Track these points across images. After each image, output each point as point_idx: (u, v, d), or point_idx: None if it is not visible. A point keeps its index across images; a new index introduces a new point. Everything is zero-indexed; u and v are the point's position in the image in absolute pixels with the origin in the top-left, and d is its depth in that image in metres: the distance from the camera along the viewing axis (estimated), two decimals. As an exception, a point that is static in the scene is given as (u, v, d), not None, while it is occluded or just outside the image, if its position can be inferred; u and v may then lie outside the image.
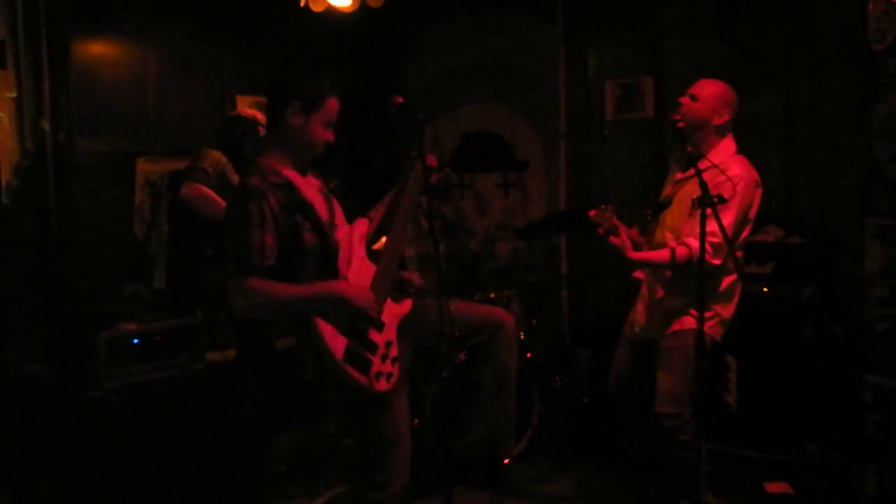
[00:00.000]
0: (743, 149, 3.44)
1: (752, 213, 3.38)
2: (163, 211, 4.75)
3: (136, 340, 4.01)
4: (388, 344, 2.80)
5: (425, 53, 6.34)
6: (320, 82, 2.89)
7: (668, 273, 3.44)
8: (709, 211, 2.93)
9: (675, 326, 3.43)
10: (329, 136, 2.89)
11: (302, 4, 4.60)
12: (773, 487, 3.98)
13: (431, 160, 3.06)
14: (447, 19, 6.17)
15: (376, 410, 2.82)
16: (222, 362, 4.07)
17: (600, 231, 3.29)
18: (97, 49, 4.91)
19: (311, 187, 2.90)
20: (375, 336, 2.78)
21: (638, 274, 3.72)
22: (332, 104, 2.88)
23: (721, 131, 3.39)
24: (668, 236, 3.42)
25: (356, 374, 2.67)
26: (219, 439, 3.86)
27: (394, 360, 2.81)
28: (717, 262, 3.16)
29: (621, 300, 3.80)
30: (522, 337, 4.73)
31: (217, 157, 4.20)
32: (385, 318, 2.83)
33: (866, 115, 3.93)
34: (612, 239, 3.29)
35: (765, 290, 4.26)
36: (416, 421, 4.22)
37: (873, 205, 3.46)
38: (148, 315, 4.24)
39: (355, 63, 6.25)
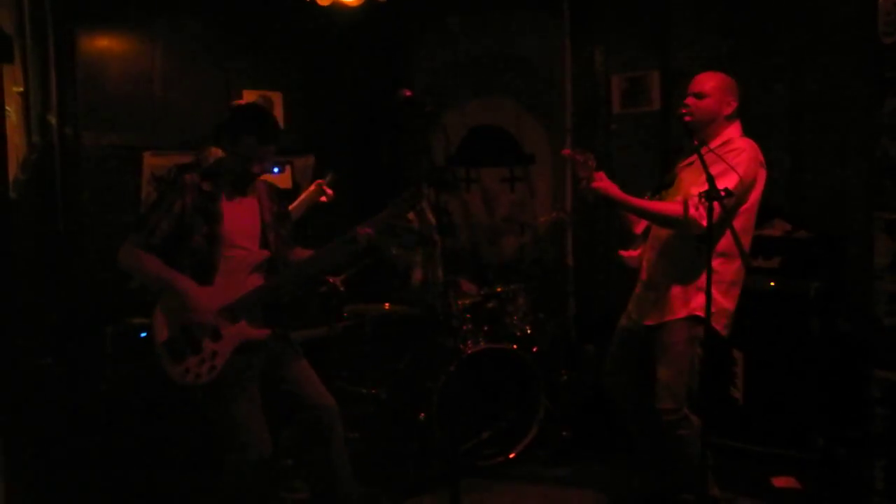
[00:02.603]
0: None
1: (757, 192, 3.35)
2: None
3: (143, 334, 4.02)
4: (214, 354, 3.00)
5: (431, 48, 6.33)
6: (237, 117, 3.15)
7: (662, 249, 3.44)
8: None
9: (670, 315, 3.41)
10: (254, 168, 3.12)
11: (308, -1, 4.60)
12: (780, 482, 3.97)
13: (363, 231, 3.18)
14: (453, 13, 6.16)
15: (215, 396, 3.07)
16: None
17: (582, 179, 3.31)
18: (104, 44, 4.91)
19: (238, 204, 3.15)
20: (206, 342, 3.00)
21: (627, 253, 3.65)
22: (248, 140, 3.07)
23: (730, 118, 3.41)
24: None
25: (166, 361, 3.01)
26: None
27: (211, 368, 3.00)
28: (705, 223, 3.03)
29: (627, 294, 3.79)
30: (529, 331, 4.73)
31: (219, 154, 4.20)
32: (225, 331, 3.02)
33: (875, 109, 3.91)
34: (595, 183, 3.31)
35: (771, 284, 4.25)
36: (423, 415, 4.23)
37: (882, 199, 3.43)
38: (154, 309, 4.25)
39: (361, 57, 6.25)
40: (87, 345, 4.04)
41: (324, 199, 3.96)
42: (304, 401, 3.25)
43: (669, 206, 3.32)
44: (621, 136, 5.42)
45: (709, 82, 3.40)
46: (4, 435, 3.10)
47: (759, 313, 4.13)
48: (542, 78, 5.75)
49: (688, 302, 3.36)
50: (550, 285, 5.49)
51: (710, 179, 2.95)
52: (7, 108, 3.51)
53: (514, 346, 4.51)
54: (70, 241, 4.61)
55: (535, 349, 4.68)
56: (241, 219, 3.15)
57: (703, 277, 3.04)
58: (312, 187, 3.98)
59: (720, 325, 3.34)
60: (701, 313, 3.17)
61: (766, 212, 4.40)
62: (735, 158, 3.20)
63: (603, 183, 3.32)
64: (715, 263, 3.10)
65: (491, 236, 5.83)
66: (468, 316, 4.60)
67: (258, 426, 3.07)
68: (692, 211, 3.16)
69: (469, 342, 4.44)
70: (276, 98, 5.57)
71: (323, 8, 4.72)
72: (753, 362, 4.24)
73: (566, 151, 3.47)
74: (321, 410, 3.26)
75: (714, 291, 3.06)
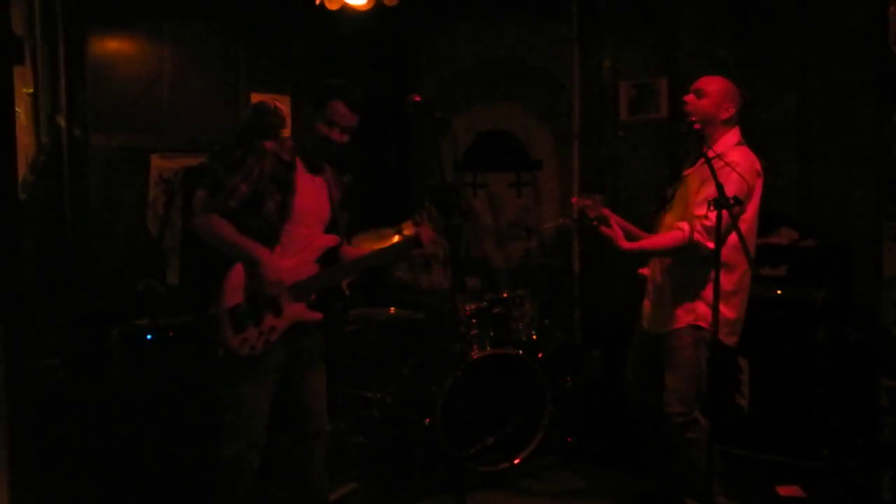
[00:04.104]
0: (758, 150, 3.44)
1: (755, 202, 3.37)
2: (176, 207, 4.78)
3: (149, 336, 4.03)
4: (272, 329, 3.02)
5: (440, 52, 6.34)
6: (328, 85, 3.13)
7: (666, 261, 3.49)
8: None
9: (675, 324, 3.45)
10: (339, 134, 3.11)
11: (318, 2, 4.61)
12: (785, 491, 3.96)
13: (427, 233, 3.26)
14: (462, 18, 6.17)
15: (241, 376, 3.07)
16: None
17: (592, 221, 3.39)
18: (113, 45, 4.92)
19: (311, 180, 3.17)
20: (269, 316, 3.01)
21: (643, 271, 3.75)
22: (337, 107, 3.08)
23: (727, 124, 3.44)
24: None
25: (226, 328, 2.98)
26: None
27: (266, 343, 3.02)
28: (711, 245, 3.13)
29: (634, 300, 3.80)
30: (535, 337, 4.73)
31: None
32: (287, 308, 3.04)
33: (884, 118, 3.91)
34: (603, 229, 3.39)
35: (778, 292, 4.25)
36: (428, 420, 4.23)
37: (892, 208, 3.44)
38: (161, 311, 4.26)
39: (370, 61, 6.25)
40: (93, 346, 4.04)
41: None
42: (308, 415, 3.25)
43: (672, 236, 3.34)
44: (629, 143, 5.42)
45: (711, 84, 3.47)
46: (10, 435, 3.10)
47: (765, 321, 4.13)
48: (550, 84, 5.75)
49: (689, 311, 3.41)
50: (556, 291, 5.48)
51: (720, 188, 2.95)
52: (17, 109, 3.52)
53: (520, 352, 4.51)
54: (78, 242, 4.62)
55: (540, 355, 4.68)
56: (312, 197, 3.17)
57: (704, 287, 3.24)
58: None
59: (722, 335, 3.34)
60: (702, 323, 3.33)
61: (773, 220, 4.42)
62: (728, 176, 3.19)
63: (610, 231, 3.38)
64: (722, 274, 3.10)
65: (497, 241, 5.83)
66: (474, 321, 4.60)
67: (259, 422, 3.08)
68: (696, 236, 3.22)
69: (475, 347, 4.44)
70: (285, 101, 5.57)
71: (332, 12, 4.73)
72: (760, 370, 4.23)
73: (574, 199, 3.61)
74: (319, 436, 3.27)
75: (717, 303, 3.06)
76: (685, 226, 3.26)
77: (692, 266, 3.37)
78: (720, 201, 2.93)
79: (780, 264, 4.30)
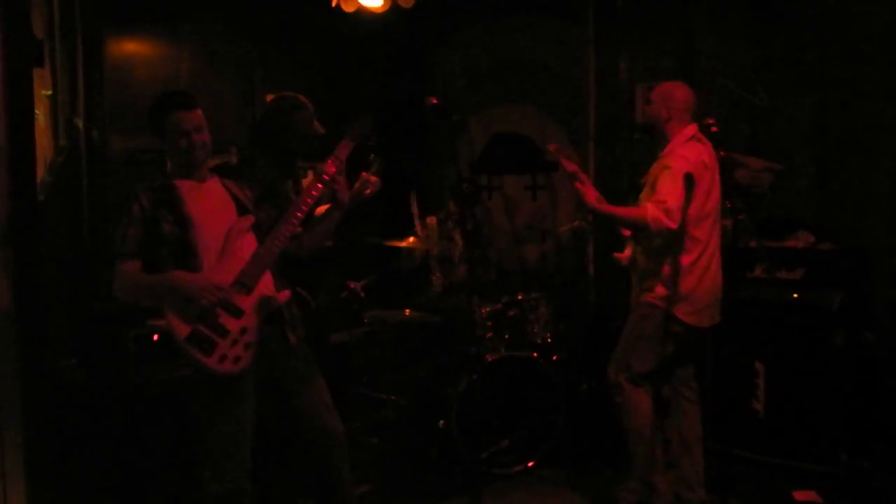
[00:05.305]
0: (775, 152, 3.46)
1: (701, 191, 3.60)
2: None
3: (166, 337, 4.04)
4: (244, 330, 2.94)
5: (456, 54, 6.34)
6: (160, 102, 3.14)
7: (638, 245, 3.81)
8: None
9: (636, 300, 3.82)
10: (188, 141, 3.07)
11: (334, 4, 4.62)
12: (801, 496, 3.94)
13: (331, 167, 3.13)
14: (478, 20, 6.17)
15: (221, 401, 2.98)
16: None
17: (567, 168, 3.77)
18: (130, 48, 4.95)
19: (199, 191, 3.11)
20: (229, 322, 2.93)
21: (618, 255, 4.06)
22: (177, 116, 3.06)
23: (676, 123, 3.71)
24: None
25: (198, 356, 2.88)
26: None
27: (247, 345, 2.94)
28: (669, 224, 3.45)
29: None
30: (550, 340, 4.73)
31: None
32: (245, 304, 2.96)
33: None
34: (577, 184, 3.73)
35: (795, 296, 4.22)
36: (443, 422, 4.23)
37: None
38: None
39: (386, 63, 6.27)
40: (110, 347, 4.06)
41: (368, 191, 3.46)
42: (314, 422, 3.16)
43: (638, 211, 3.60)
44: (644, 146, 5.40)
45: (655, 91, 3.83)
46: (27, 435, 3.12)
47: (781, 325, 4.12)
48: (566, 86, 5.75)
49: (647, 290, 3.73)
50: (572, 293, 5.48)
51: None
52: (36, 111, 3.54)
53: (535, 354, 4.50)
54: (95, 243, 4.65)
55: (555, 357, 4.67)
56: (205, 198, 3.09)
57: (661, 268, 3.64)
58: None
59: (681, 313, 3.64)
60: (656, 300, 3.68)
61: (789, 223, 4.40)
62: (663, 177, 3.55)
63: (582, 187, 3.75)
64: (672, 256, 3.61)
65: (512, 244, 5.83)
66: (489, 323, 4.60)
67: (244, 449, 2.99)
68: (652, 214, 3.49)
69: (490, 350, 4.44)
70: (300, 103, 5.58)
71: (348, 14, 4.74)
72: (776, 374, 4.21)
73: (553, 147, 3.95)
74: (332, 439, 3.19)
75: (672, 281, 3.60)
76: (649, 206, 3.51)
77: (652, 249, 3.70)
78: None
79: (797, 268, 4.28)
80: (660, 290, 3.67)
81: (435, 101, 3.00)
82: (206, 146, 3.13)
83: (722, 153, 3.32)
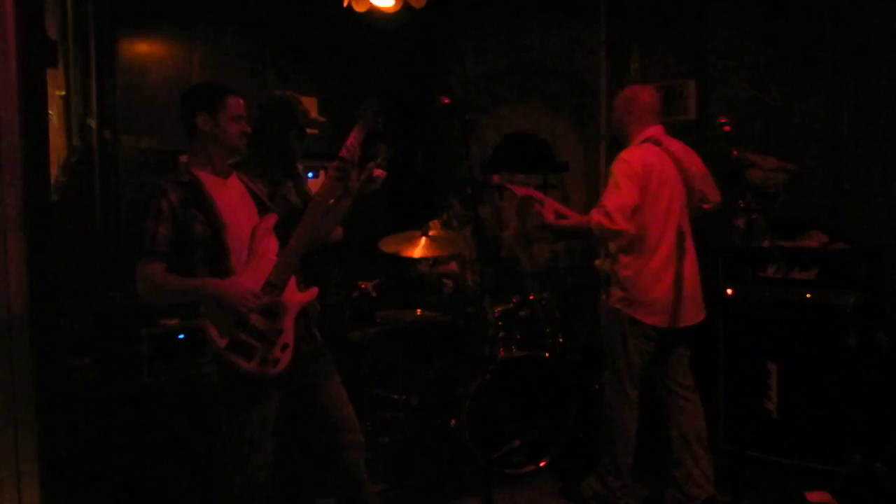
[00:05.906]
0: (788, 152, 3.43)
1: (650, 192, 3.66)
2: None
3: (181, 336, 4.06)
4: (280, 331, 2.94)
5: (467, 54, 6.34)
6: (214, 86, 3.10)
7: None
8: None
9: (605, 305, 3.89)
10: (241, 127, 3.06)
11: (345, 5, 4.62)
12: (814, 497, 3.92)
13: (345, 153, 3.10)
14: (489, 20, 6.17)
15: (247, 404, 2.97)
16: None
17: (517, 192, 3.88)
18: (143, 49, 4.97)
19: (224, 187, 3.07)
20: (265, 324, 2.92)
21: (597, 262, 4.11)
22: (233, 101, 3.05)
23: (634, 126, 3.79)
24: None
25: (240, 361, 2.87)
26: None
27: (283, 346, 2.94)
28: (611, 226, 3.52)
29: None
30: (561, 340, 4.72)
31: None
32: (279, 306, 2.95)
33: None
34: (535, 206, 3.84)
35: (808, 296, 4.20)
36: (454, 421, 4.23)
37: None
38: (190, 311, 4.29)
39: (398, 63, 6.27)
40: (123, 346, 4.08)
41: (375, 177, 3.31)
42: (333, 422, 3.15)
43: (585, 218, 3.67)
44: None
45: (617, 96, 3.89)
46: (40, 433, 3.13)
47: (795, 325, 4.09)
48: (577, 86, 5.74)
49: (610, 295, 3.80)
50: (583, 293, 5.46)
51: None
52: (49, 111, 3.56)
53: (547, 354, 4.50)
54: (108, 242, 4.67)
55: (567, 357, 4.66)
56: (229, 195, 3.06)
57: (618, 273, 3.72)
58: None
59: (640, 315, 3.70)
60: (616, 305, 3.75)
61: (802, 223, 4.37)
62: (606, 186, 3.66)
63: (540, 206, 3.84)
64: (624, 259, 3.70)
65: (523, 244, 5.81)
66: (501, 323, 4.60)
67: (266, 444, 3.00)
68: (594, 222, 3.57)
69: (501, 349, 4.44)
70: (312, 103, 5.60)
71: (360, 14, 4.74)
72: (788, 374, 4.19)
73: (496, 178, 4.16)
74: (350, 433, 3.17)
75: (627, 284, 3.69)
76: (593, 212, 3.59)
77: (610, 253, 3.79)
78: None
79: (810, 268, 4.25)
80: (617, 293, 3.75)
81: (446, 101, 3.00)
82: (248, 135, 3.11)
83: (734, 153, 3.30)
